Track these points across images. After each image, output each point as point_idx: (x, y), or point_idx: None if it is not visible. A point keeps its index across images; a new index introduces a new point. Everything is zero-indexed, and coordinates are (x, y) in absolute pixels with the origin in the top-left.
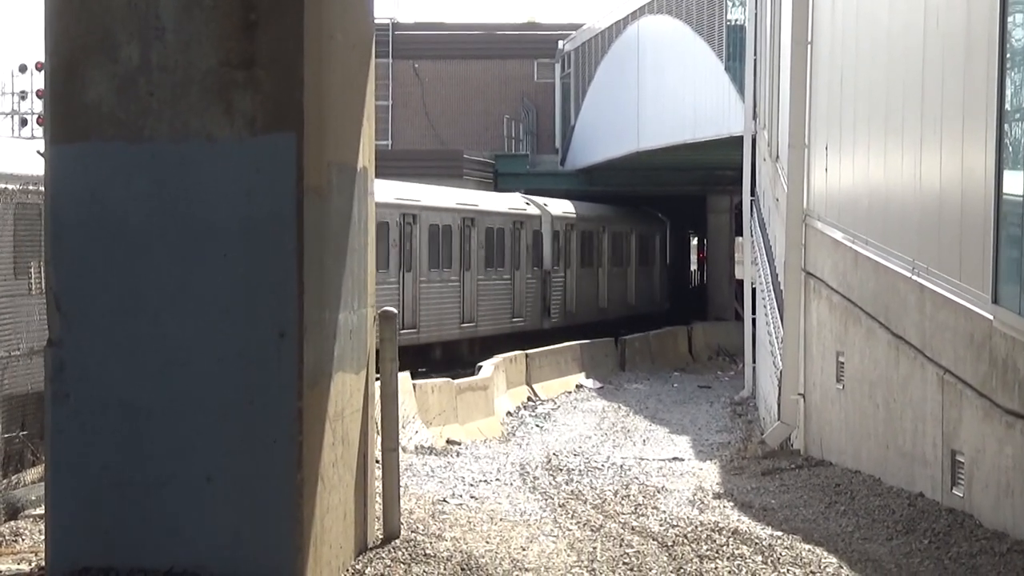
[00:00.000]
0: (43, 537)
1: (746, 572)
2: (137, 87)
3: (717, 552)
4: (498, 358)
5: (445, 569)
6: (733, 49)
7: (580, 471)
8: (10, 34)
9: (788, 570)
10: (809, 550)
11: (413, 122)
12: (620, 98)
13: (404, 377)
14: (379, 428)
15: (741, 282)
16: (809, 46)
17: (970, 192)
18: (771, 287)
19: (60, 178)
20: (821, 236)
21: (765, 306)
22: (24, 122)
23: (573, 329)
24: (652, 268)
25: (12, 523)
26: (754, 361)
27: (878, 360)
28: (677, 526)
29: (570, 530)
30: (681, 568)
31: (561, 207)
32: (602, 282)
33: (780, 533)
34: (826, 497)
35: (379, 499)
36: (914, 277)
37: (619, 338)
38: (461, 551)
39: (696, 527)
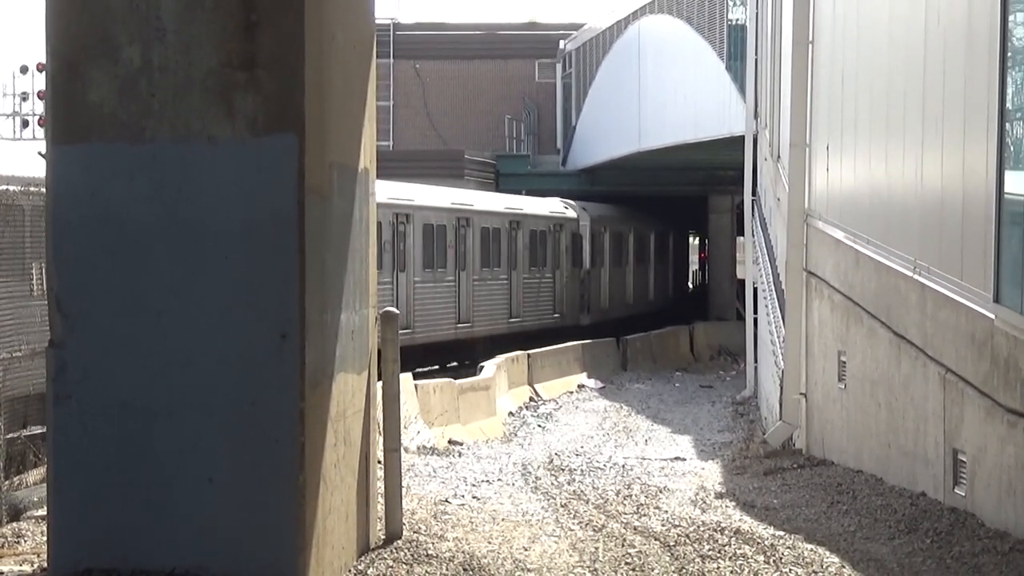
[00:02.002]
0: (45, 538)
1: (748, 572)
2: (138, 88)
3: (719, 552)
4: (500, 358)
5: (447, 569)
6: (734, 49)
7: (582, 471)
8: (11, 35)
9: (790, 570)
10: (811, 550)
11: (414, 122)
12: (621, 98)
13: (406, 377)
14: (381, 428)
15: (743, 282)
16: (810, 46)
17: (971, 191)
18: (772, 287)
19: (61, 179)
20: (822, 236)
21: (767, 306)
22: (25, 123)
23: (413, 352)
24: (556, 273)
25: (14, 524)
26: (756, 361)
27: (880, 359)
28: (679, 526)
29: (572, 530)
30: (683, 568)
31: (388, 192)
32: (464, 292)
33: (782, 533)
34: (828, 497)
35: (381, 500)
36: (915, 276)
37: (620, 338)
38: (463, 551)
39: (698, 527)
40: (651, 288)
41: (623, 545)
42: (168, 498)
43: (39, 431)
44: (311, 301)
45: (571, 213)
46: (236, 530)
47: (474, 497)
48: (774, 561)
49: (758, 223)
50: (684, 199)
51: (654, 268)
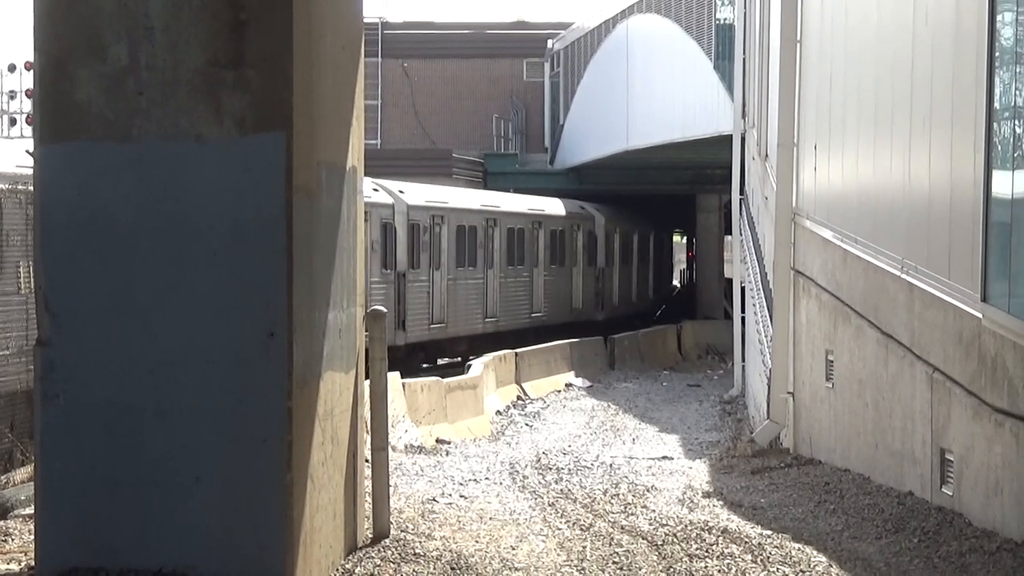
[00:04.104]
0: (32, 537)
1: (736, 571)
2: (126, 87)
3: (706, 551)
4: (487, 357)
5: (435, 568)
6: (722, 48)
7: (569, 470)
8: None
9: (777, 569)
10: (799, 549)
11: (402, 121)
12: (609, 97)
13: (394, 376)
14: (368, 427)
15: (730, 281)
16: (798, 45)
17: (959, 191)
18: (760, 286)
19: (49, 178)
20: (810, 235)
21: (754, 305)
22: (13, 122)
23: None
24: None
25: (1, 523)
26: (743, 360)
27: (867, 359)
28: (666, 525)
29: (560, 529)
30: (671, 567)
31: None
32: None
33: (770, 532)
34: (815, 496)
35: (369, 498)
36: (903, 276)
37: (608, 337)
38: (451, 550)
39: (685, 526)
40: (540, 299)
41: (610, 544)
42: (156, 497)
43: None
44: (299, 300)
45: (382, 198)
46: (224, 529)
47: (462, 496)
48: (761, 560)
49: (746, 222)
50: (671, 198)
51: (547, 272)
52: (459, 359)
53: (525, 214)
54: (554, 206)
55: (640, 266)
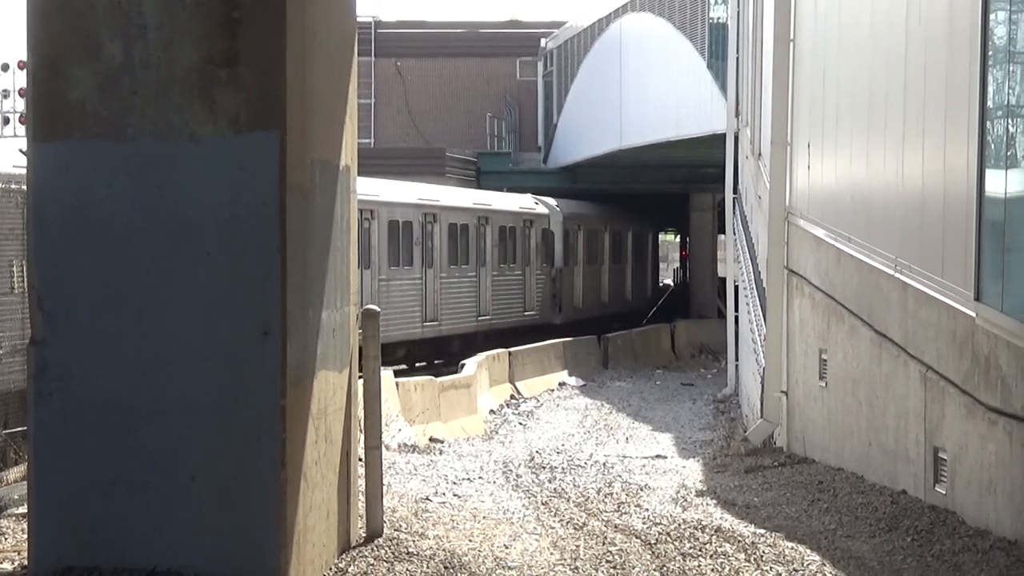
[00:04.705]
0: (26, 536)
1: (729, 570)
2: (120, 85)
3: (700, 550)
4: (481, 356)
5: (428, 567)
6: (715, 47)
7: (563, 469)
8: None
9: (771, 568)
10: (792, 548)
11: (395, 120)
12: (602, 96)
13: (387, 375)
14: (362, 426)
15: (724, 280)
16: (792, 43)
17: (952, 189)
18: (754, 285)
19: (43, 176)
20: (804, 234)
21: (748, 304)
22: (7, 121)
23: None
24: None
25: None
26: (737, 359)
27: (861, 357)
28: (660, 524)
29: (553, 528)
30: (664, 566)
31: None
32: None
33: (763, 531)
34: (809, 495)
35: (362, 497)
36: (897, 274)
37: (602, 336)
38: (444, 549)
39: (679, 525)
40: (488, 301)
41: (604, 543)
42: (150, 496)
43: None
44: (293, 299)
45: None
46: (218, 528)
47: (455, 495)
48: (755, 559)
49: (739, 221)
50: (665, 197)
51: (496, 272)
52: (403, 366)
53: (470, 209)
54: (503, 201)
55: (614, 266)
